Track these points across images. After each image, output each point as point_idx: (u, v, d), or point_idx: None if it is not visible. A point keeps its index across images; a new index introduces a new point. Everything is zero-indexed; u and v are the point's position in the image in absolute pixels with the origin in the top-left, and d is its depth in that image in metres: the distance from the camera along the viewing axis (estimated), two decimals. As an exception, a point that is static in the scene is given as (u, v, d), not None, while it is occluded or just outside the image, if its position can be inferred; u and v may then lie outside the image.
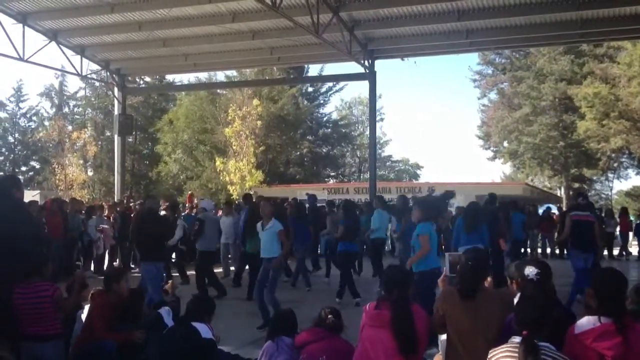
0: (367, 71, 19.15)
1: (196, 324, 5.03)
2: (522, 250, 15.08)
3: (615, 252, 19.54)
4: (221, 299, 10.95)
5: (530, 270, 4.12)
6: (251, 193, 19.60)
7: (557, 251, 19.71)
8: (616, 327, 3.42)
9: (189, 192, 23.45)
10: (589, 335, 3.46)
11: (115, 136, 23.22)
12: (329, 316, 4.84)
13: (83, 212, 15.06)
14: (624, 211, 21.45)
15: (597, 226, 10.31)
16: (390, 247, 17.34)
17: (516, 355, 3.27)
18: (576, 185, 40.89)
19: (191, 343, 4.93)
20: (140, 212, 10.99)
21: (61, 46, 19.28)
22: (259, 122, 31.27)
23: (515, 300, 4.10)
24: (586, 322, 3.54)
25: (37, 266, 5.59)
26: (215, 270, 12.10)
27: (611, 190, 48.23)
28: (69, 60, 20.04)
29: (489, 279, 4.90)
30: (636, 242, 20.04)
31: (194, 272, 12.22)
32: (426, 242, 7.59)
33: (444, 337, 4.72)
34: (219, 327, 5.61)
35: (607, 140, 33.87)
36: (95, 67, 21.65)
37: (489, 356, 3.47)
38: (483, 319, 4.10)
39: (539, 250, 19.45)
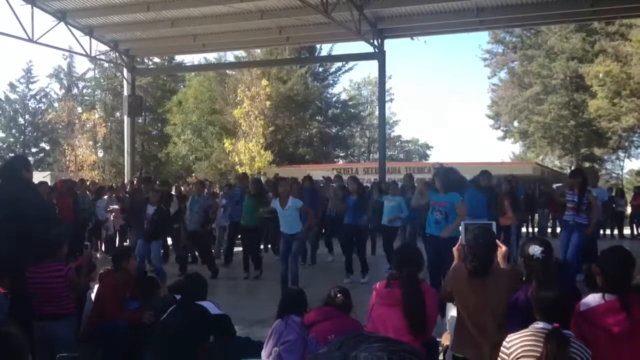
0: (377, 51, 19.03)
1: (202, 303, 5.05)
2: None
3: (626, 231, 19.48)
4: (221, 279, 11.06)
5: (535, 250, 4.10)
6: (247, 173, 19.82)
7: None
8: (620, 303, 3.44)
9: (194, 175, 23.53)
10: (594, 313, 3.49)
11: (125, 117, 23.27)
12: (338, 295, 4.86)
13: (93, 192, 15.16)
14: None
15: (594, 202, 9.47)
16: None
17: (539, 341, 3.17)
18: (587, 164, 40.59)
19: (202, 319, 4.92)
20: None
21: (70, 27, 19.26)
22: (268, 103, 31.18)
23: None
24: (591, 299, 3.57)
25: (52, 248, 5.65)
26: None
27: (622, 169, 47.91)
28: (78, 41, 20.05)
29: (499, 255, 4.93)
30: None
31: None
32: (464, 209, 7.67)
33: (450, 315, 4.75)
34: (226, 308, 5.64)
35: (618, 119, 33.59)
36: (104, 48, 21.64)
37: (507, 340, 3.34)
38: (491, 296, 4.12)
39: (549, 230, 19.38)
